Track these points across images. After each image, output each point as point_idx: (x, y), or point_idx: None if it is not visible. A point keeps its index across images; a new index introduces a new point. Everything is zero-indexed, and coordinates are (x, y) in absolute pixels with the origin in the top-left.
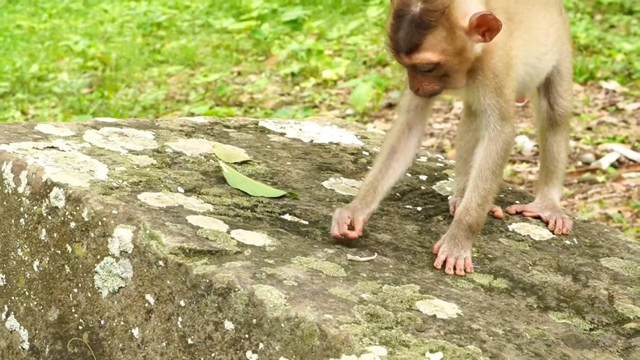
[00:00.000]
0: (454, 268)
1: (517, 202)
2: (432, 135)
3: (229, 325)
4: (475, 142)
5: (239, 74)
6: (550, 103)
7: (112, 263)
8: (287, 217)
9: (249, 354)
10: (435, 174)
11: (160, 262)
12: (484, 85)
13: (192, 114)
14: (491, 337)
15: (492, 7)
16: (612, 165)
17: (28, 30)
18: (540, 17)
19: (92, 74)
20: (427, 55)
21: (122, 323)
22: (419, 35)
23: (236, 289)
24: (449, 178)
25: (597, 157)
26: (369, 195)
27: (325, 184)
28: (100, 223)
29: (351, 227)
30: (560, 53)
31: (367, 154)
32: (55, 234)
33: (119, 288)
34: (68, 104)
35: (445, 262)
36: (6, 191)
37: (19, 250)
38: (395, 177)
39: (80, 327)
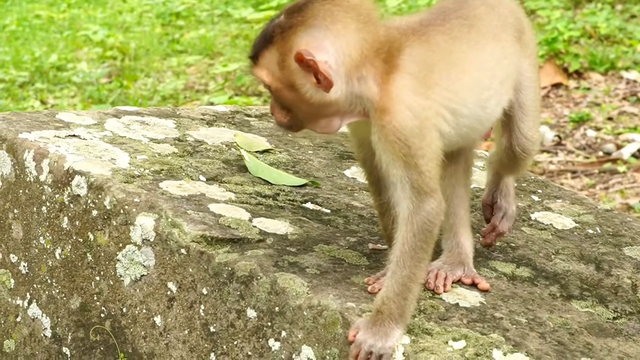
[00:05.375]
0: None
1: (540, 190)
2: None
3: (251, 313)
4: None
5: None
6: (512, 143)
7: (134, 251)
8: (309, 205)
9: (271, 341)
10: None
11: (183, 250)
12: (387, 152)
13: (212, 104)
14: (514, 326)
15: (397, 60)
16: (633, 155)
17: (47, 20)
18: (484, 55)
19: (111, 64)
20: (260, 71)
21: (144, 311)
22: (260, 46)
23: (258, 277)
24: None
25: (618, 147)
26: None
27: (347, 172)
28: (122, 211)
29: None
30: (516, 87)
31: None
32: (77, 222)
33: (141, 276)
34: (87, 93)
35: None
36: (28, 179)
37: (41, 238)
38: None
39: (102, 315)
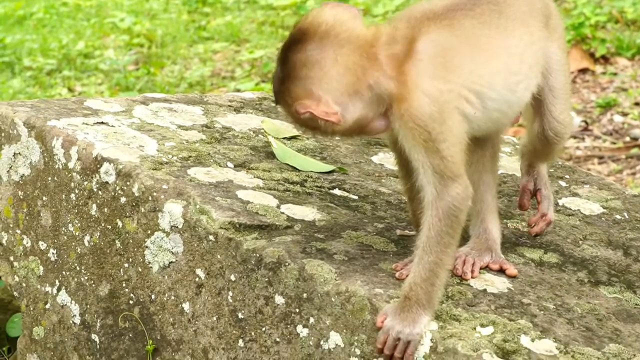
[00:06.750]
0: (393, 354)
1: (567, 176)
2: None
3: (279, 299)
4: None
5: None
6: (544, 127)
7: (162, 238)
8: (336, 191)
9: (299, 328)
10: None
11: (211, 237)
12: (408, 139)
13: (238, 90)
14: (542, 312)
15: (410, 50)
16: None
17: (74, 8)
18: (513, 40)
19: (138, 51)
20: (286, 118)
21: (172, 298)
22: (275, 99)
23: (286, 264)
24: None
25: None
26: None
27: (374, 158)
28: (150, 198)
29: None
30: (546, 71)
31: None
32: (105, 209)
33: (170, 263)
34: (114, 80)
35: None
36: (57, 166)
37: (70, 225)
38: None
39: (130, 302)
